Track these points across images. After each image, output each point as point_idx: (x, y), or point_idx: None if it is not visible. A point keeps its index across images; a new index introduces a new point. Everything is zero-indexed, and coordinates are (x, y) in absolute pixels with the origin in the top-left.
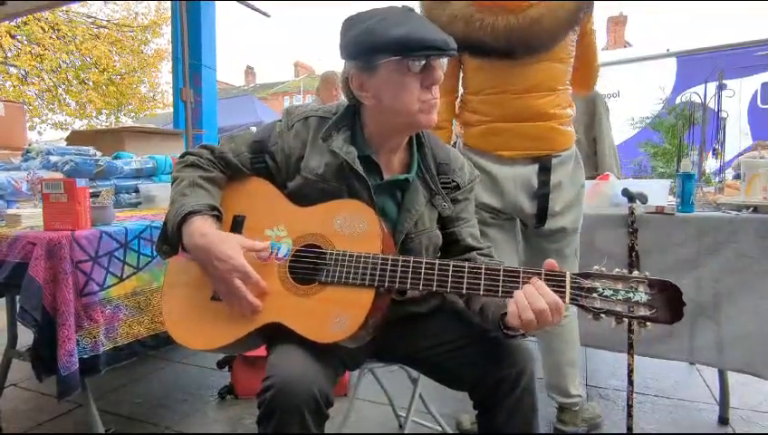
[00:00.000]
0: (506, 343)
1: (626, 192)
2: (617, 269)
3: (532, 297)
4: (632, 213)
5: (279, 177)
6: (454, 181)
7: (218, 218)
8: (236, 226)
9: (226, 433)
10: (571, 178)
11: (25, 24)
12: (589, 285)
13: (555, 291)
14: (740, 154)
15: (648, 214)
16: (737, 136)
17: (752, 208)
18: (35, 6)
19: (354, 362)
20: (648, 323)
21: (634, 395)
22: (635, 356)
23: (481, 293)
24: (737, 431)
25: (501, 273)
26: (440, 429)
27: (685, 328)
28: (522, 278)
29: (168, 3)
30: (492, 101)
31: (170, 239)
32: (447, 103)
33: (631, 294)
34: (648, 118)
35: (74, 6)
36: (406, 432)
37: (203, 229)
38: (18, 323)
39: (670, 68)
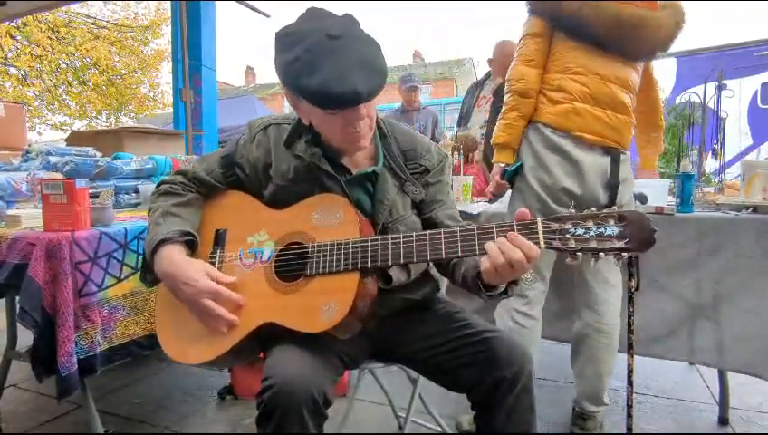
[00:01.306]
0: (504, 344)
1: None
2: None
3: (504, 247)
4: None
5: (252, 187)
6: (422, 165)
7: (191, 243)
8: (219, 239)
9: (226, 433)
10: (631, 176)
11: (25, 25)
12: (560, 227)
13: (529, 238)
14: (740, 154)
15: (647, 214)
16: (737, 136)
17: (751, 209)
18: (35, 7)
19: (353, 361)
20: (624, 254)
21: (634, 395)
22: (634, 356)
23: (459, 254)
24: (737, 432)
25: (476, 231)
26: (440, 429)
27: (685, 328)
28: (496, 232)
29: (168, 3)
30: (581, 80)
31: (150, 268)
32: (538, 75)
33: (603, 229)
34: None
35: (74, 7)
36: (405, 433)
37: (171, 257)
38: (18, 324)
39: (670, 68)
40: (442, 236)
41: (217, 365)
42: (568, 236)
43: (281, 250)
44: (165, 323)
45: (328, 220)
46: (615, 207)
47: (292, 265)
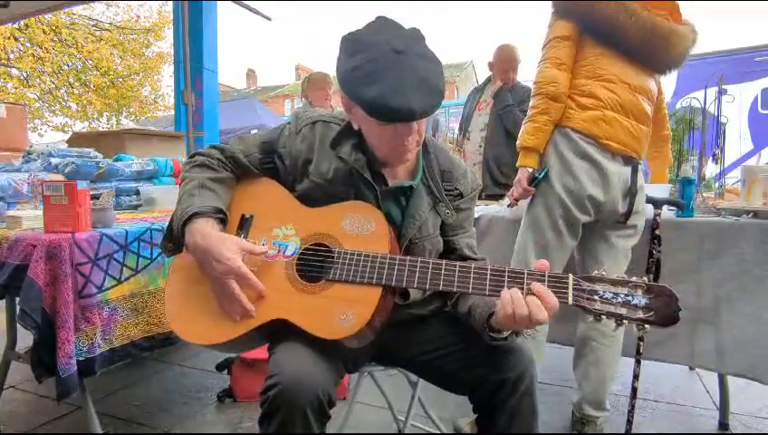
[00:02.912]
0: (506, 346)
1: (649, 199)
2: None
3: (532, 306)
4: (656, 219)
5: (287, 178)
6: (457, 189)
7: (222, 221)
8: (245, 224)
9: None
10: (644, 184)
11: (27, 26)
12: (590, 288)
13: (557, 292)
14: (740, 159)
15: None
16: (737, 141)
17: (752, 214)
18: (38, 8)
19: (354, 364)
20: (646, 326)
21: (633, 399)
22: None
23: (486, 293)
24: None
25: (506, 274)
26: (439, 432)
27: (685, 332)
28: (526, 279)
29: (170, 5)
30: (611, 88)
31: (175, 238)
32: (568, 78)
33: (630, 298)
34: None
35: (76, 9)
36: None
37: (204, 230)
38: (18, 325)
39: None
40: (471, 271)
41: (218, 349)
42: (596, 297)
43: (305, 248)
44: (176, 301)
45: (358, 229)
46: (645, 278)
47: (314, 265)
